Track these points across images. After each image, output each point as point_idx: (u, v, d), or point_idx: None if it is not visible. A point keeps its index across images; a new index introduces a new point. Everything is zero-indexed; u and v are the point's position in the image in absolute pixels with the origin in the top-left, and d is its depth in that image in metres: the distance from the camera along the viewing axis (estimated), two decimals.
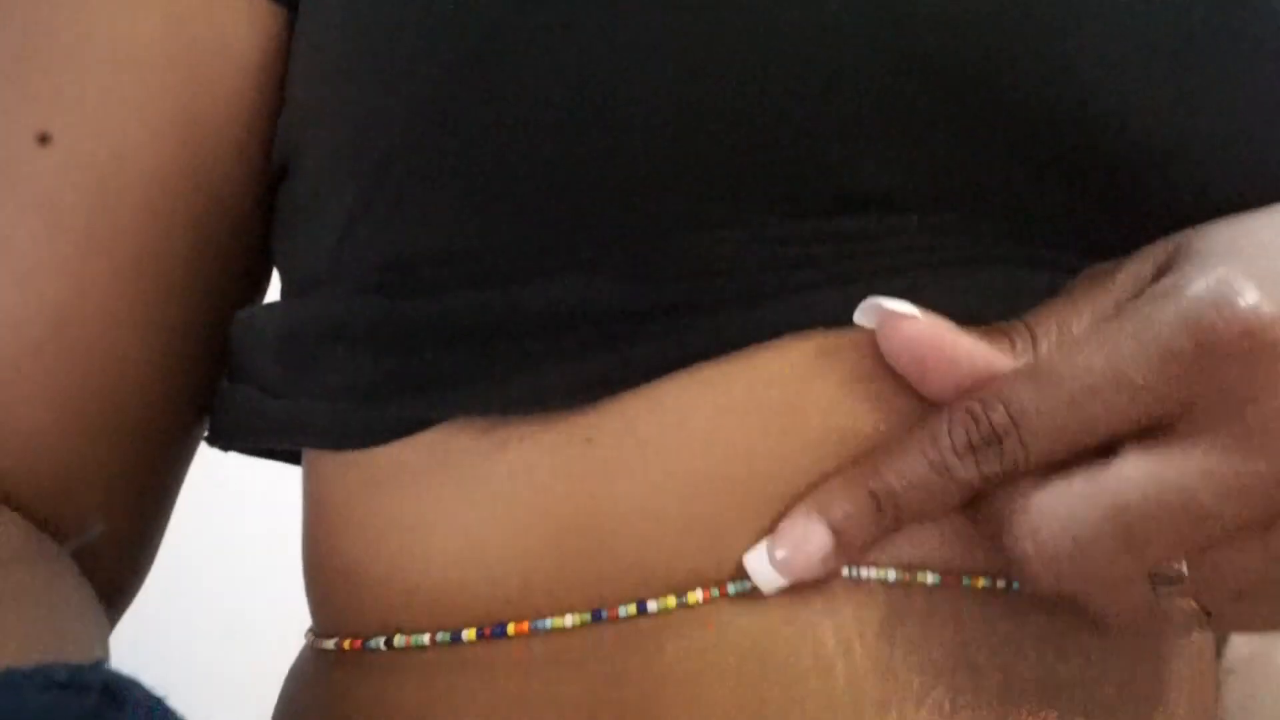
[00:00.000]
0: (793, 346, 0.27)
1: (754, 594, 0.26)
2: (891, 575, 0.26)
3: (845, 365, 0.27)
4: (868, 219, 0.27)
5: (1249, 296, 0.23)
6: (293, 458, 0.37)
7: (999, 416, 0.24)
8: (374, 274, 0.29)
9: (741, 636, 0.26)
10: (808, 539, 0.25)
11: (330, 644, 0.30)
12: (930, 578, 0.26)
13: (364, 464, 0.30)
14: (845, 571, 0.26)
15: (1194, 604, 0.24)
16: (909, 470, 0.25)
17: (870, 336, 0.26)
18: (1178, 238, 0.26)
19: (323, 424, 0.30)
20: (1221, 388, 0.23)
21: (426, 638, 0.28)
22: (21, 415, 0.30)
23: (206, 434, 0.35)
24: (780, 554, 0.25)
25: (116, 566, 0.34)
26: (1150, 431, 0.23)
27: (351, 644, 0.29)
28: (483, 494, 0.28)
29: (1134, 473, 0.23)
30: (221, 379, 0.36)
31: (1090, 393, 0.23)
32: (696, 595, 0.26)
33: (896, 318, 0.25)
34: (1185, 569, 0.23)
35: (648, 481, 0.27)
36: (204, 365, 0.35)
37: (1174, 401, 0.23)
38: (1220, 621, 0.25)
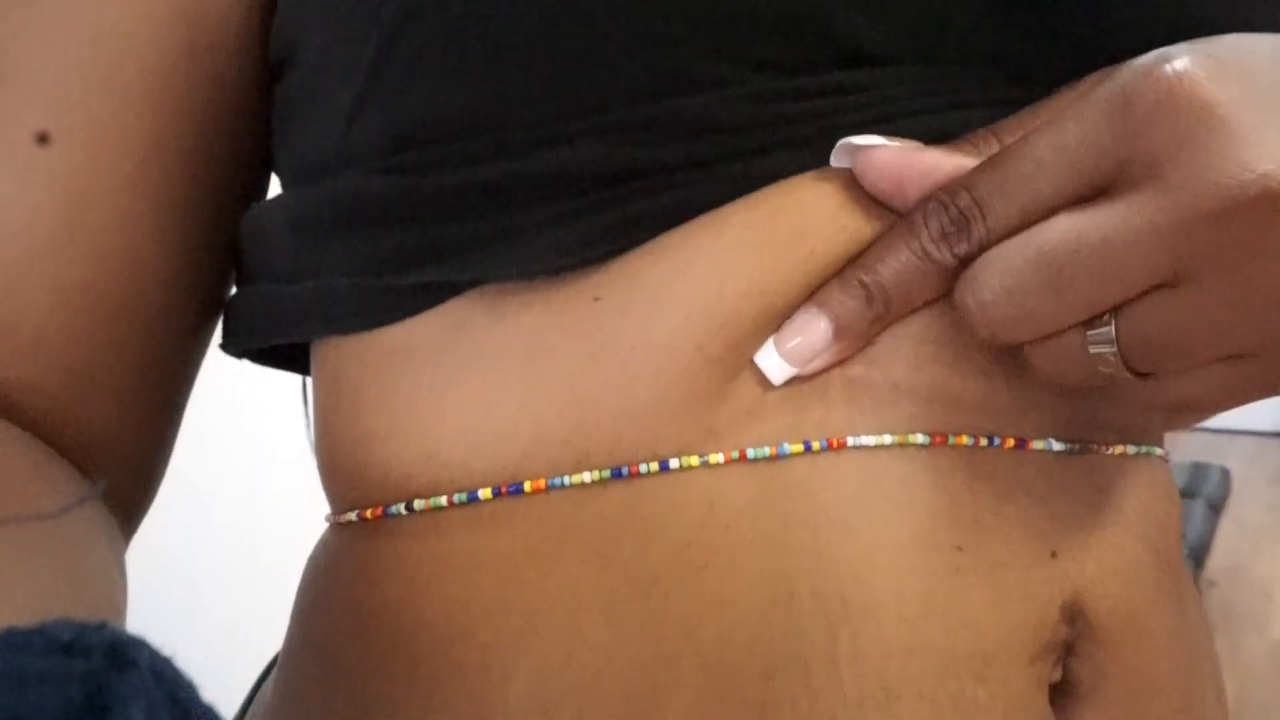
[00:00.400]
0: (789, 184, 0.28)
1: (771, 458, 0.28)
2: (888, 439, 0.28)
3: (841, 193, 0.28)
4: (858, 74, 0.28)
5: (1177, 63, 0.24)
6: (296, 365, 0.37)
7: (964, 201, 0.26)
8: (383, 153, 0.29)
9: (757, 487, 0.28)
10: (810, 329, 0.28)
11: (352, 516, 0.31)
12: (920, 438, 0.29)
13: (379, 343, 0.30)
14: (850, 440, 0.28)
15: (1120, 360, 0.26)
16: (894, 261, 0.27)
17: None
18: None
19: (340, 305, 0.30)
20: (1148, 150, 0.24)
21: (445, 499, 0.29)
22: (32, 318, 0.30)
23: (220, 341, 0.35)
24: (788, 345, 0.28)
25: (130, 477, 0.34)
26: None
27: (373, 513, 0.30)
28: (494, 360, 0.29)
29: (1060, 225, 0.25)
30: (230, 283, 0.36)
31: (1037, 166, 0.25)
32: (718, 458, 0.28)
33: (868, 150, 0.27)
34: (1112, 323, 0.25)
35: (657, 330, 0.28)
36: (212, 266, 0.35)
37: (1108, 166, 0.25)
38: (1160, 393, 0.27)
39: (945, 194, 0.27)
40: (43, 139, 0.29)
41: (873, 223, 0.28)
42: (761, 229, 0.28)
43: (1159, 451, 0.34)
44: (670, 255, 0.28)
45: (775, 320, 0.28)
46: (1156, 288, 0.25)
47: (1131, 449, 0.32)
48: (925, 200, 0.27)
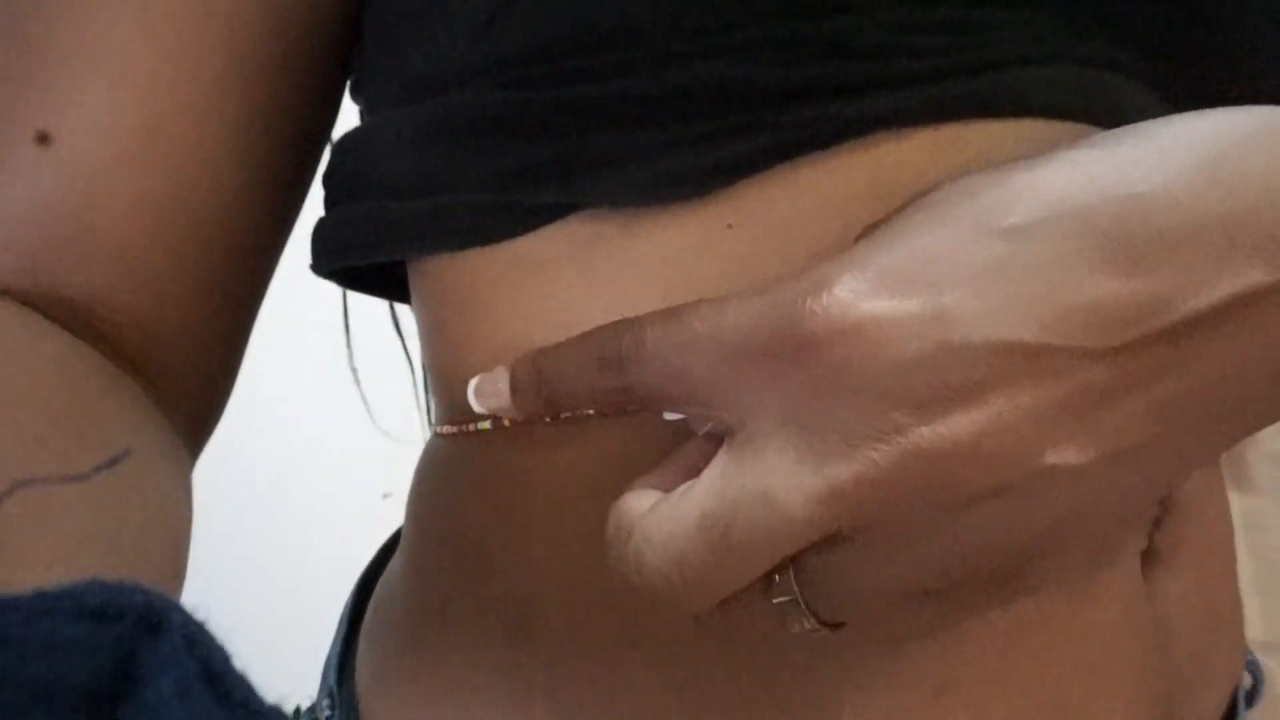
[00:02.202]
0: (919, 134, 0.27)
1: None
2: None
3: (969, 152, 0.27)
4: (990, 11, 0.27)
5: (834, 293, 0.22)
6: (379, 287, 0.38)
7: (625, 342, 0.25)
8: (515, 68, 0.29)
9: None
10: (495, 387, 0.28)
11: (486, 425, 0.31)
12: None
13: (508, 253, 0.30)
14: None
15: (808, 612, 0.24)
16: (560, 363, 0.26)
17: (992, 127, 0.27)
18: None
19: (466, 219, 0.30)
20: (784, 390, 0.22)
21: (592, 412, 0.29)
22: (113, 227, 0.30)
23: (310, 262, 0.35)
24: (472, 391, 0.29)
25: (197, 394, 0.34)
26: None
27: (511, 421, 0.30)
28: (630, 277, 0.29)
29: (713, 478, 0.23)
30: (300, 203, 0.37)
31: (690, 343, 0.23)
32: None
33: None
34: (793, 579, 0.23)
35: (792, 263, 0.27)
36: (285, 184, 0.35)
37: (739, 393, 0.23)
38: (862, 632, 0.25)
39: (617, 324, 0.25)
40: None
41: None
42: (887, 179, 0.27)
43: None
44: (801, 191, 0.27)
45: None
46: (831, 537, 0.22)
47: None
48: (608, 325, 0.26)
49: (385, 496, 1.23)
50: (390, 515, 0.41)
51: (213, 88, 0.31)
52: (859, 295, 0.22)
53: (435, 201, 0.31)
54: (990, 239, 0.22)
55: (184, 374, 0.33)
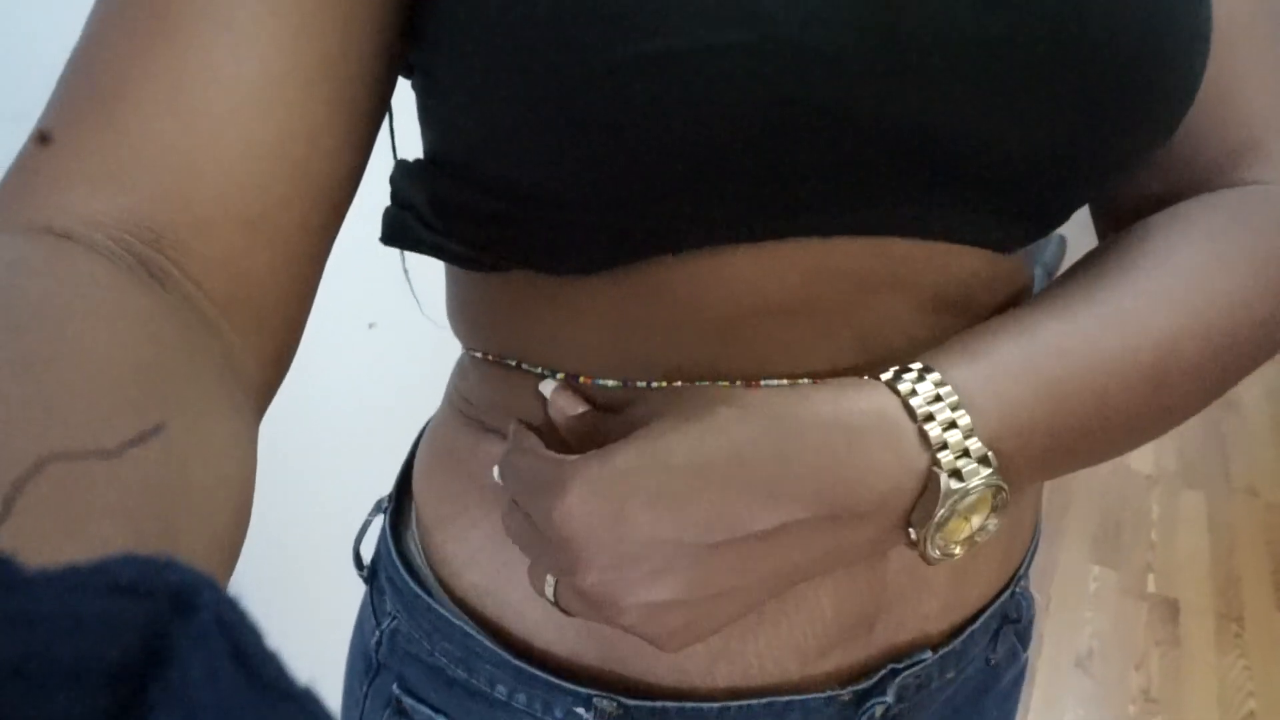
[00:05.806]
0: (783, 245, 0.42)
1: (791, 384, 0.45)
2: None
3: (834, 258, 0.43)
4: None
5: (567, 497, 0.39)
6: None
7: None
8: (442, 162, 0.43)
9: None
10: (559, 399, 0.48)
11: (478, 354, 0.52)
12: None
13: (466, 275, 0.49)
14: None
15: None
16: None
17: (863, 242, 0.43)
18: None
19: (453, 253, 0.45)
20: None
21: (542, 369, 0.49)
22: (220, 168, 0.33)
23: (380, 235, 0.48)
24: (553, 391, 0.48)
25: (278, 338, 0.37)
26: None
27: (494, 357, 0.51)
28: (551, 308, 0.45)
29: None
30: (365, 165, 0.41)
31: (516, 472, 0.44)
32: (739, 384, 0.45)
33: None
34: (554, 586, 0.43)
35: (704, 306, 0.43)
36: (363, 148, 0.39)
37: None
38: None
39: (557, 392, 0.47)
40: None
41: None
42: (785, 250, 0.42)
43: None
44: (705, 263, 0.42)
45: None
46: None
47: None
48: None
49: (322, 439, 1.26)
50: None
51: (323, 61, 0.35)
52: (581, 493, 0.38)
53: (438, 236, 0.45)
54: (662, 470, 0.37)
55: (265, 318, 0.35)
